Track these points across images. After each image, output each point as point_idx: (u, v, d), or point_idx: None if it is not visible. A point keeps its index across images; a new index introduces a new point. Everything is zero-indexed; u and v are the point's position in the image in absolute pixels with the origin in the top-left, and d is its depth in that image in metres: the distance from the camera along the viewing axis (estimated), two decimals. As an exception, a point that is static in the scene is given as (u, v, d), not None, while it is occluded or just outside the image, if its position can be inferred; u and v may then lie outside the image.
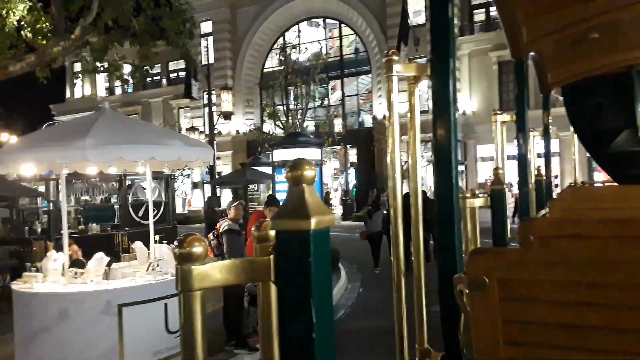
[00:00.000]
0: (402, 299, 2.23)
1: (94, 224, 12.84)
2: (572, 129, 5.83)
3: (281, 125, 23.60)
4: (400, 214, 2.26)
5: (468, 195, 2.90)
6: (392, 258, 2.26)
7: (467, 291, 1.82)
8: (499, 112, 3.99)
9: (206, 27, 34.37)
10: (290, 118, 22.60)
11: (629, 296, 1.64)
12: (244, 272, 1.33)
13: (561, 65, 4.54)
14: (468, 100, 29.34)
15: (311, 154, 13.65)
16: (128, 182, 13.39)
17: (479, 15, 30.54)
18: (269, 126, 26.84)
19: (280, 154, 13.06)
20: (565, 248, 2.02)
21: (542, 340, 1.74)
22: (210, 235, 7.60)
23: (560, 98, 5.75)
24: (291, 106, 23.78)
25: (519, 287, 1.79)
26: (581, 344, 1.69)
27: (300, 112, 24.46)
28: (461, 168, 26.90)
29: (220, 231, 7.35)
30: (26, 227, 13.34)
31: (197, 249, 1.24)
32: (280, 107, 24.80)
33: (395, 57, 2.16)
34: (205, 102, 29.69)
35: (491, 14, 28.91)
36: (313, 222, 1.21)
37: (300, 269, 1.23)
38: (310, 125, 29.75)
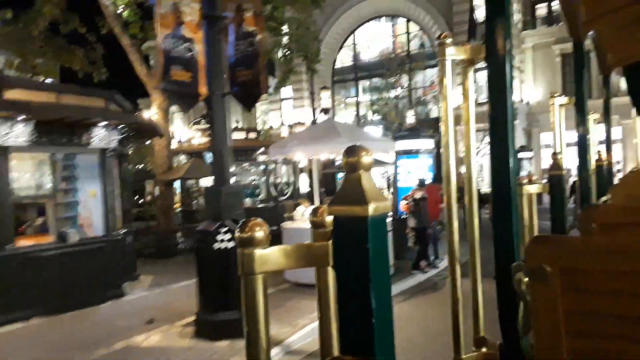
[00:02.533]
0: (458, 287, 2.26)
1: (247, 199, 18.02)
2: (634, 112, 5.63)
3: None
4: (454, 200, 2.28)
5: (525, 181, 2.88)
6: (447, 247, 2.28)
7: (526, 280, 1.83)
8: (556, 94, 3.90)
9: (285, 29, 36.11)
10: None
11: None
12: (303, 257, 1.40)
13: (622, 44, 4.37)
14: (532, 91, 31.38)
15: (427, 144, 16.00)
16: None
17: (541, 10, 32.34)
18: (340, 118, 30.57)
19: (402, 144, 15.48)
20: (631, 236, 1.99)
21: (607, 331, 1.73)
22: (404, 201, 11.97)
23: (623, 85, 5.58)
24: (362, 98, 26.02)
25: (582, 277, 1.78)
26: None
27: (371, 104, 29.63)
28: (529, 155, 28.78)
29: (417, 197, 11.20)
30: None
31: (259, 234, 1.32)
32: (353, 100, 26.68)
33: (448, 40, 2.17)
34: (282, 97, 34.99)
35: (553, 8, 30.80)
36: (371, 208, 1.26)
37: (358, 255, 1.28)
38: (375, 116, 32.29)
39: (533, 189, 2.97)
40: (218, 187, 6.99)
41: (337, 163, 20.77)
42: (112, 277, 9.55)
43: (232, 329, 6.33)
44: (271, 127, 33.86)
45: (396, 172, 15.99)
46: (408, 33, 35.77)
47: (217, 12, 7.11)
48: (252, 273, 1.33)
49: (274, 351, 6.27)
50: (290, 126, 28.08)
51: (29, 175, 9.44)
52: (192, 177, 18.62)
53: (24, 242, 8.73)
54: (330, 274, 1.48)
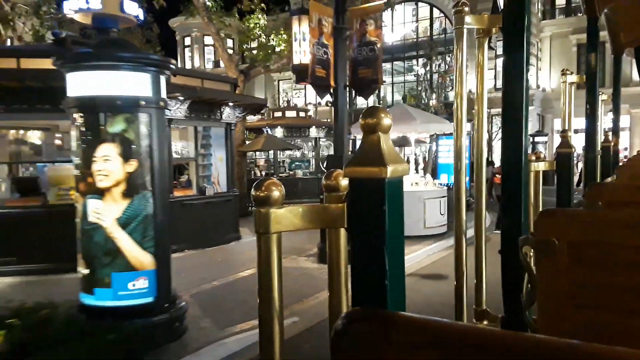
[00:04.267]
0: (463, 260, 2.30)
1: (298, 170, 22.95)
2: None
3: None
4: (463, 174, 2.31)
5: (533, 158, 2.92)
6: (454, 220, 2.32)
7: (531, 253, 1.87)
8: (568, 71, 3.92)
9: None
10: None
11: None
12: (318, 218, 1.43)
13: (635, 23, 4.40)
14: (548, 78, 33.12)
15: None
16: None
17: (560, 0, 33.95)
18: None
19: (441, 126, 16.37)
20: (634, 212, 2.04)
21: (612, 304, 1.78)
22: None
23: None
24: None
25: (589, 250, 1.83)
26: None
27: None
28: (544, 139, 30.26)
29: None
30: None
31: (275, 193, 1.34)
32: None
33: (466, 8, 2.18)
34: None
35: None
36: (389, 170, 1.27)
37: (374, 217, 1.30)
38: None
39: (541, 166, 3.01)
40: (339, 155, 9.58)
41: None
42: (233, 224, 12.80)
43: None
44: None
45: (437, 150, 18.71)
46: (432, 18, 36.71)
47: (343, 25, 9.58)
48: (267, 232, 1.35)
49: None
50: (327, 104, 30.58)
51: (180, 142, 13.58)
52: (268, 149, 22.02)
53: (177, 193, 11.70)
54: (342, 235, 1.51)
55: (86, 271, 5.18)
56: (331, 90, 9.86)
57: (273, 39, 18.80)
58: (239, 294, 7.65)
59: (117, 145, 4.98)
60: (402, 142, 17.32)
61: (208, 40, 37.19)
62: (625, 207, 2.56)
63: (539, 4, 32.97)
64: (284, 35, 18.28)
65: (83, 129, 5.09)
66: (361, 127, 1.43)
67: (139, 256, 5.24)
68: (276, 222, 1.34)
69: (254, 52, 19.58)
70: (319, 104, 36.15)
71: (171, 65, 5.69)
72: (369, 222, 1.36)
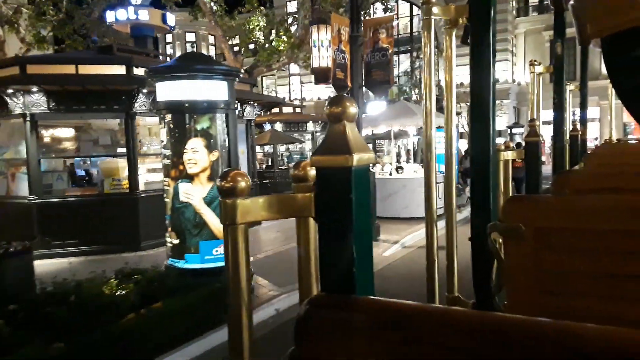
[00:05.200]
0: (435, 247, 2.33)
1: None
2: (610, 92, 5.78)
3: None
4: (433, 163, 2.34)
5: (502, 148, 2.97)
6: (425, 207, 2.35)
7: (500, 239, 1.90)
8: (536, 62, 4.00)
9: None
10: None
11: None
12: (285, 208, 1.42)
13: (601, 15, 4.47)
14: (523, 73, 34.06)
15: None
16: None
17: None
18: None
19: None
20: (601, 198, 2.09)
21: (578, 289, 1.81)
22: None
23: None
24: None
25: (556, 236, 1.82)
26: (618, 293, 1.70)
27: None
28: (520, 130, 30.42)
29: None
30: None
31: (241, 184, 1.33)
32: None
33: (433, 0, 2.20)
34: (291, 72, 37.48)
35: None
36: (355, 158, 1.27)
37: (341, 205, 1.30)
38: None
39: (510, 155, 3.07)
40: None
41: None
42: (257, 209, 14.27)
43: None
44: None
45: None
46: (412, 15, 37.55)
47: (358, 34, 10.57)
48: (233, 223, 1.34)
49: (394, 248, 10.27)
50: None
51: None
52: (274, 143, 22.93)
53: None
54: (312, 224, 1.51)
55: (177, 241, 6.34)
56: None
57: (274, 40, 18.79)
58: (284, 263, 8.61)
59: (204, 139, 6.14)
60: (403, 134, 17.93)
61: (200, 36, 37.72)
62: (591, 194, 2.62)
63: (514, 2, 34.00)
64: (284, 37, 18.58)
65: (172, 126, 6.19)
66: (327, 116, 1.44)
67: (221, 228, 6.12)
68: (243, 213, 1.30)
69: (257, 52, 19.63)
70: (304, 99, 37.28)
71: (240, 74, 7.36)
72: (336, 211, 1.34)
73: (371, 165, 1.35)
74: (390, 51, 11.82)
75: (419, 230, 11.39)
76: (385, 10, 20.40)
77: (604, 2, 4.14)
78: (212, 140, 6.23)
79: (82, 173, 11.95)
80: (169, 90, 6.32)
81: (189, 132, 6.16)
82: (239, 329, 1.33)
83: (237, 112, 12.41)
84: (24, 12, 18.00)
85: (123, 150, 9.97)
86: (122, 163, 10.01)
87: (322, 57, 11.35)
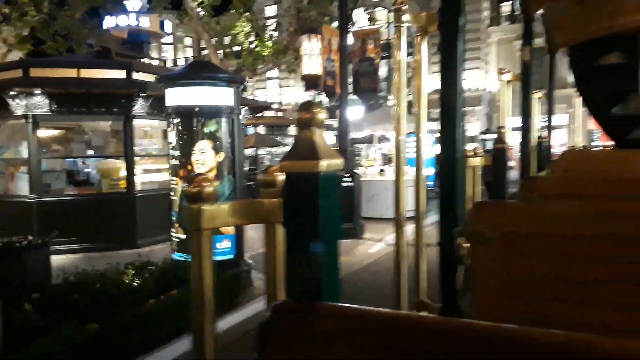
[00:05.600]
0: (403, 252, 2.25)
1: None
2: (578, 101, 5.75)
3: None
4: (403, 169, 2.27)
5: (471, 154, 2.90)
6: (395, 215, 2.27)
7: (466, 244, 1.83)
8: (504, 70, 3.95)
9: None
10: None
11: (628, 249, 1.66)
12: (252, 214, 1.34)
13: (569, 25, 4.44)
14: (495, 81, 32.98)
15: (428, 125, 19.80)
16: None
17: (506, 8, 34.50)
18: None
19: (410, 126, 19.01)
20: (567, 204, 2.03)
21: (546, 294, 1.74)
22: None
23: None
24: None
25: (523, 241, 1.75)
26: (585, 298, 1.64)
27: None
28: (492, 137, 30.45)
29: None
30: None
31: (207, 189, 1.25)
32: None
33: (404, 7, 2.13)
34: (269, 76, 35.60)
35: (516, 7, 32.86)
36: (322, 164, 1.19)
37: (308, 211, 1.22)
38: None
39: (477, 161, 3.01)
40: (342, 149, 10.52)
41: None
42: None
43: (352, 233, 10.24)
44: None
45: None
46: (388, 23, 36.22)
47: (347, 44, 10.55)
48: (198, 229, 1.26)
49: (379, 245, 10.02)
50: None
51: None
52: (259, 147, 22.38)
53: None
54: (279, 231, 1.43)
55: (184, 236, 6.32)
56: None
57: (258, 45, 18.07)
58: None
59: (211, 141, 6.29)
60: (382, 139, 18.04)
61: (188, 41, 37.37)
62: (557, 199, 2.56)
63: (488, 11, 33.25)
64: (269, 42, 18.18)
65: (181, 129, 6.36)
66: (296, 122, 1.36)
67: (224, 223, 6.41)
68: (208, 219, 1.22)
69: (241, 56, 19.14)
70: (280, 102, 36.24)
71: (244, 82, 7.54)
72: (303, 217, 1.27)
73: (338, 169, 1.27)
74: (377, 61, 12.17)
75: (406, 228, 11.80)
76: (370, 20, 20.37)
77: (571, 12, 4.10)
78: (218, 143, 6.40)
79: (81, 173, 11.85)
80: (179, 96, 6.52)
81: (197, 135, 6.34)
82: (201, 335, 1.24)
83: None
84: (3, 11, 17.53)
85: (121, 151, 9.91)
86: (120, 164, 9.94)
87: (313, 65, 11.52)
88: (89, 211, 9.55)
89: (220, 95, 6.55)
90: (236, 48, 19.47)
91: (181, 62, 39.69)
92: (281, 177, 1.33)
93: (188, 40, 37.43)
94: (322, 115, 1.28)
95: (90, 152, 10.89)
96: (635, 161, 3.76)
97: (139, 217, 9.72)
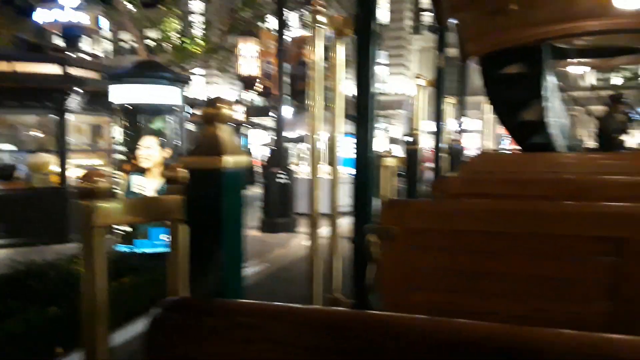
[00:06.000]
0: (318, 249, 2.20)
1: None
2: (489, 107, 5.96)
3: None
4: (317, 167, 2.21)
5: (384, 154, 2.89)
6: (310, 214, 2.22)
7: (375, 241, 1.80)
8: (419, 77, 4.00)
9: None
10: None
11: (524, 244, 1.68)
12: (152, 211, 1.22)
13: (480, 35, 4.60)
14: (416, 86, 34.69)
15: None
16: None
17: (428, 18, 34.06)
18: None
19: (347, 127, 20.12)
20: (472, 203, 2.05)
21: (447, 286, 1.75)
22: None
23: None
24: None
25: (427, 237, 1.77)
26: (482, 289, 1.69)
27: None
28: (412, 139, 31.21)
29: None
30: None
31: (100, 185, 1.12)
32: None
33: (322, 9, 2.06)
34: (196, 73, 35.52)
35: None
36: (226, 160, 1.11)
37: (211, 208, 1.14)
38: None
39: (391, 161, 3.01)
40: (279, 147, 10.69)
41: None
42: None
43: (287, 226, 9.99)
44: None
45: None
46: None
47: (284, 48, 10.68)
48: (90, 227, 1.12)
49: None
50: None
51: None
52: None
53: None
54: (183, 229, 1.32)
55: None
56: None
57: (187, 42, 17.49)
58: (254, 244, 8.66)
59: (157, 138, 6.05)
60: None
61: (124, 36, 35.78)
62: (464, 198, 2.61)
63: (410, 20, 32.71)
64: (200, 40, 17.47)
65: (128, 125, 6.22)
66: (201, 117, 1.26)
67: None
68: (102, 217, 1.07)
69: (171, 53, 18.39)
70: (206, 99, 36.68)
71: (189, 81, 7.48)
72: (206, 213, 1.16)
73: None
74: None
75: (337, 223, 12.13)
76: (303, 25, 20.16)
77: (482, 23, 4.22)
78: (164, 139, 6.29)
79: (11, 167, 11.17)
80: (125, 93, 6.41)
81: (143, 131, 6.23)
82: (93, 339, 1.11)
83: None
84: None
85: (53, 146, 9.38)
86: (51, 158, 9.40)
87: (250, 66, 12.25)
88: (19, 206, 9.05)
89: (166, 93, 6.51)
90: (166, 44, 18.77)
91: (116, 58, 38.27)
92: (184, 173, 1.22)
93: (125, 36, 36.05)
94: (226, 111, 1.19)
95: (21, 146, 10.41)
96: (536, 164, 3.94)
97: (69, 212, 9.17)
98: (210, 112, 1.19)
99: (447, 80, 3.85)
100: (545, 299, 1.67)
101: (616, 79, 15.54)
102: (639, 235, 1.54)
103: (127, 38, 36.76)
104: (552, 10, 4.05)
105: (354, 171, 2.09)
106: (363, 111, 1.96)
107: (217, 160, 1.13)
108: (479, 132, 29.80)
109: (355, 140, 2.02)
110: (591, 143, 9.52)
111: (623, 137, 7.60)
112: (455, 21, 3.72)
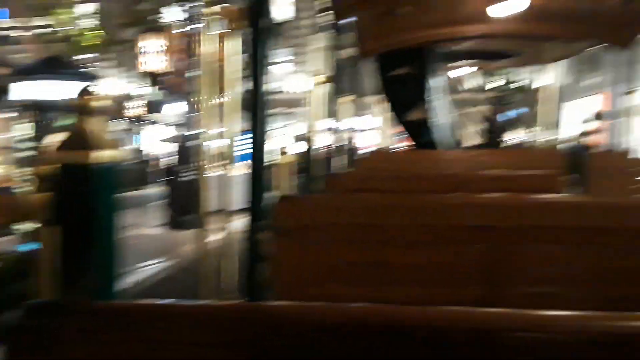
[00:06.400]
0: (207, 249, 2.14)
1: None
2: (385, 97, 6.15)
3: None
4: (212, 164, 2.16)
5: (281, 151, 2.89)
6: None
7: (269, 238, 1.79)
8: (316, 73, 4.04)
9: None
10: None
11: (411, 235, 1.76)
12: (12, 211, 1.13)
13: (375, 35, 4.75)
14: (322, 86, 35.81)
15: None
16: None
17: (330, 17, 35.74)
18: None
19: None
20: (362, 197, 2.11)
21: (341, 279, 1.77)
22: None
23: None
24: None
25: (319, 231, 1.79)
26: (377, 279, 1.71)
27: None
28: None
29: None
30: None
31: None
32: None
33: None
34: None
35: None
36: (97, 155, 1.05)
37: (81, 206, 1.07)
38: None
39: (288, 158, 3.02)
40: (184, 144, 9.95)
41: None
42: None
43: (192, 224, 8.57)
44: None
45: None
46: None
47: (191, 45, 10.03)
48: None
49: (224, 233, 9.08)
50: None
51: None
52: None
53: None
54: (52, 229, 1.23)
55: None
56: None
57: (81, 34, 16.69)
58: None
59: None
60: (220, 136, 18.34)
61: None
62: (357, 192, 2.67)
63: (311, 19, 35.18)
64: (98, 32, 16.77)
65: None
66: (72, 110, 1.18)
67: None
68: None
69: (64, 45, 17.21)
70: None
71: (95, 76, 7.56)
72: (76, 212, 1.12)
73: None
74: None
75: (240, 220, 12.18)
76: (198, 18, 19.52)
77: (376, 23, 4.36)
78: None
79: None
80: (30, 90, 6.32)
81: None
82: None
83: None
84: None
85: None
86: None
87: (153, 61, 12.08)
88: None
89: (70, 90, 6.27)
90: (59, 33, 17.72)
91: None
92: (51, 169, 1.13)
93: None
94: (96, 103, 1.11)
95: None
96: (425, 161, 4.16)
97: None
98: (79, 106, 1.11)
99: (346, 79, 3.92)
100: (430, 285, 1.75)
101: (499, 82, 16.85)
102: (505, 223, 1.66)
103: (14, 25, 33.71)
104: (436, 15, 4.29)
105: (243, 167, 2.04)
106: (256, 107, 1.93)
107: (86, 155, 1.05)
108: (379, 129, 30.89)
109: (249, 137, 1.99)
110: (478, 141, 10.19)
111: (507, 135, 8.24)
112: (353, 20, 3.80)
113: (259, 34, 1.93)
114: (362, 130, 5.87)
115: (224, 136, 2.22)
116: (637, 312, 0.73)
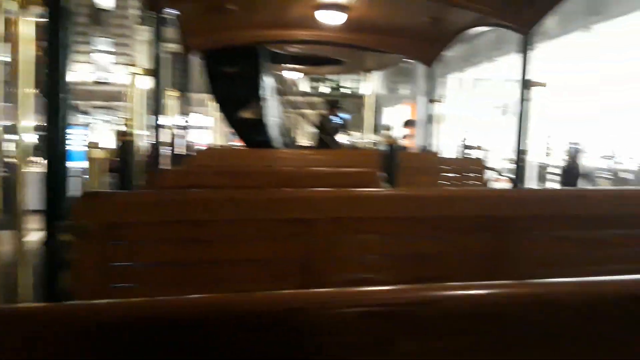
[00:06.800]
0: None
1: None
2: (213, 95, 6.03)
3: None
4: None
5: (92, 145, 2.65)
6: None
7: (70, 238, 1.61)
8: (134, 64, 3.81)
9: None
10: None
11: (234, 230, 1.72)
12: None
13: (201, 31, 4.63)
14: (143, 78, 34.38)
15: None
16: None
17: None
18: None
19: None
20: (177, 192, 2.02)
21: (148, 279, 1.66)
22: None
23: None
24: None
25: (130, 230, 1.64)
26: (187, 279, 1.66)
27: None
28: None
29: None
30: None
31: None
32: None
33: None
34: None
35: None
36: None
37: None
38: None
39: (99, 153, 2.78)
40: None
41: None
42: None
43: (10, 224, 8.09)
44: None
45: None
46: None
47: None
48: None
49: (38, 234, 8.65)
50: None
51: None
52: None
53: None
54: None
55: None
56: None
57: None
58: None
59: None
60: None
61: None
62: (177, 189, 2.54)
63: (136, 9, 32.89)
64: None
65: None
66: None
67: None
68: None
69: None
70: None
71: None
72: None
73: None
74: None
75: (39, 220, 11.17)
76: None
77: (203, 18, 4.25)
78: None
79: None
80: None
81: None
82: None
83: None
84: None
85: None
86: None
87: None
88: None
89: None
90: None
91: None
92: None
93: None
94: None
95: None
96: (256, 158, 4.19)
97: None
98: None
99: (173, 74, 3.74)
100: (252, 280, 1.73)
101: (324, 88, 17.77)
102: (322, 215, 1.72)
103: None
104: (267, 16, 4.34)
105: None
106: (53, 99, 1.70)
107: None
108: (211, 128, 30.66)
109: (46, 131, 1.74)
110: (309, 142, 10.59)
111: (338, 137, 8.69)
112: (176, 12, 3.63)
113: (57, 14, 1.71)
114: (192, 128, 5.67)
115: (25, 130, 1.94)
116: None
